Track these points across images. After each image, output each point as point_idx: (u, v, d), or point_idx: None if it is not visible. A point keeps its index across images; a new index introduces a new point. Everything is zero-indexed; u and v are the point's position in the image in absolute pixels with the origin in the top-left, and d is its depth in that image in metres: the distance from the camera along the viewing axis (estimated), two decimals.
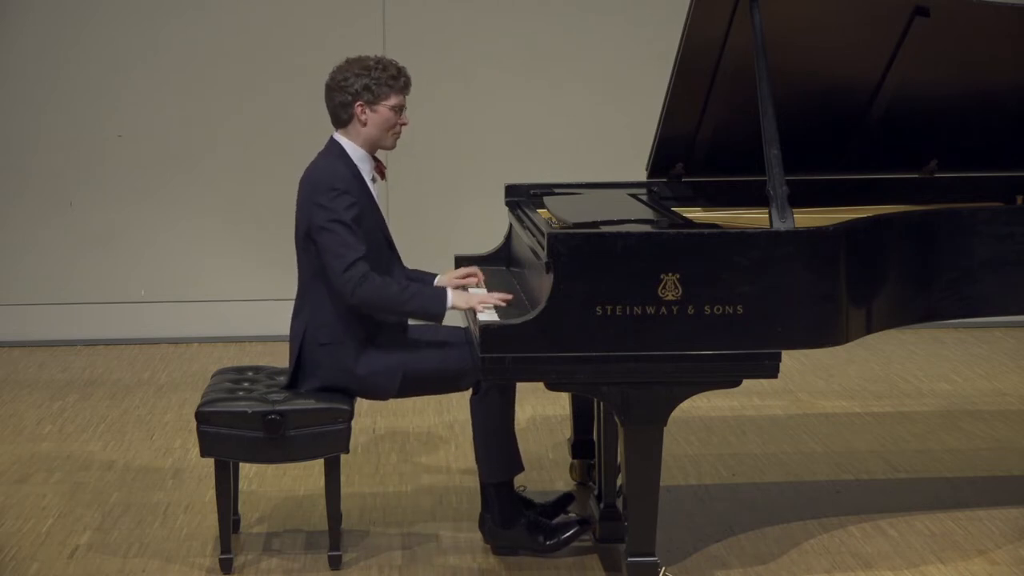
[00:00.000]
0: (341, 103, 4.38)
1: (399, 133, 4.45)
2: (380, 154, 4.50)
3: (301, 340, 4.39)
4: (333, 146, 4.43)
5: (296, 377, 4.42)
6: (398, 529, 4.75)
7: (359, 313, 4.33)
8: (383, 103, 4.37)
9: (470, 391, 4.41)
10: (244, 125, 7.38)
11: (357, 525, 4.77)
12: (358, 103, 4.36)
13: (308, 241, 4.33)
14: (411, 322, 4.48)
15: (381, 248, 4.42)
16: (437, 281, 4.57)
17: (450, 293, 4.32)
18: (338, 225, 4.25)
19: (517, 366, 4.00)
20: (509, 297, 4.37)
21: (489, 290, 4.53)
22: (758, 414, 6.06)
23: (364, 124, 4.38)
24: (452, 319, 4.52)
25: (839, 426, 5.90)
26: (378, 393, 4.41)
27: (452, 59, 7.41)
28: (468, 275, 4.59)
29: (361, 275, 4.23)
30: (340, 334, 4.35)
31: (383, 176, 4.49)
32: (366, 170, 4.42)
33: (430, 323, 4.49)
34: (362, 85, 4.35)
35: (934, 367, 6.88)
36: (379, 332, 4.39)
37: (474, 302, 4.32)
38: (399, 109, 4.41)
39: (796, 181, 4.30)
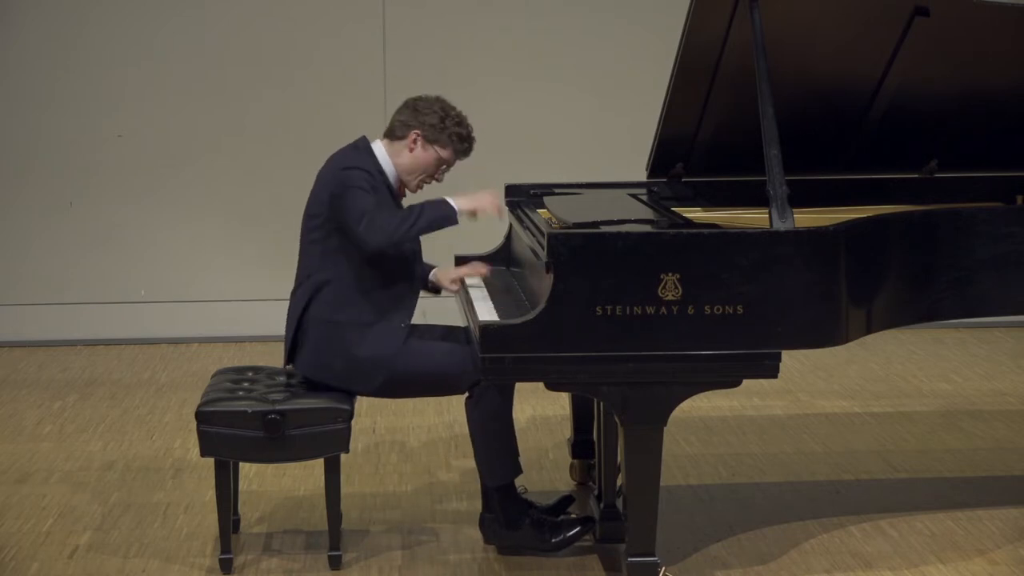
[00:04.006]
0: (405, 122, 4.45)
1: (426, 183, 4.53)
2: None
3: (300, 316, 4.41)
4: (362, 144, 4.47)
5: (292, 354, 4.44)
6: (398, 529, 4.75)
7: (368, 296, 4.35)
8: (435, 147, 4.45)
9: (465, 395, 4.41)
10: (244, 125, 7.38)
11: (357, 525, 4.77)
12: (416, 131, 4.43)
13: (330, 221, 4.35)
14: (412, 321, 4.47)
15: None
16: (433, 274, 4.63)
17: (451, 199, 4.39)
18: (359, 191, 4.31)
19: (517, 366, 4.00)
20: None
21: (489, 289, 4.59)
22: (758, 414, 6.06)
23: (410, 151, 4.45)
24: (452, 320, 4.51)
25: (839, 426, 5.90)
26: (364, 382, 4.37)
27: (452, 59, 7.40)
28: (475, 271, 4.67)
29: (374, 221, 4.28)
30: (345, 313, 4.36)
31: (402, 197, 4.55)
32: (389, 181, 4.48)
33: (430, 325, 4.55)
34: (430, 122, 4.43)
35: (934, 367, 6.88)
36: (381, 319, 4.38)
37: (475, 204, 4.41)
38: (442, 163, 4.49)
39: (796, 181, 4.30)
